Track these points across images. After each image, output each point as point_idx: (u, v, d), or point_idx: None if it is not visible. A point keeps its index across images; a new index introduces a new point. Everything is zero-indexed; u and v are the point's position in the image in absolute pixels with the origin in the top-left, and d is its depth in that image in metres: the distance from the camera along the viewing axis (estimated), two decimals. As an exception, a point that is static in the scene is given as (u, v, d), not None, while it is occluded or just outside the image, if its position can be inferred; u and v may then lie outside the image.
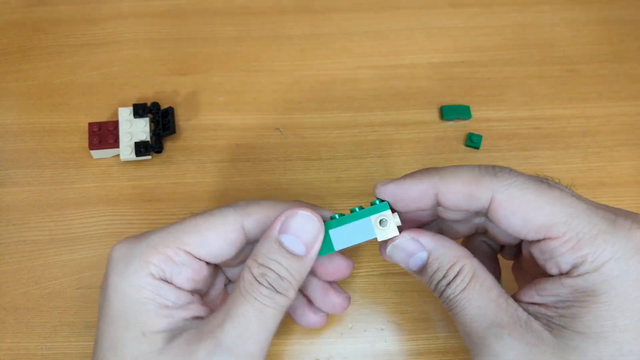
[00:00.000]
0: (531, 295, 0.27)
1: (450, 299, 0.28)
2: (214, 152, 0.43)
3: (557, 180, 0.28)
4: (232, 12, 0.48)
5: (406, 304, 0.38)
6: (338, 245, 0.29)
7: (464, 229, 0.32)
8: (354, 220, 0.29)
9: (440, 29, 0.48)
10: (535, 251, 0.27)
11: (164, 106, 0.43)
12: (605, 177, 0.42)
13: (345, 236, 0.29)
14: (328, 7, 0.49)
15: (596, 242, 0.25)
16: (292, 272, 0.27)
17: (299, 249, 0.28)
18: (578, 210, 0.26)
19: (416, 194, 0.28)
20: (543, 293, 0.27)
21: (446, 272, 0.28)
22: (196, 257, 0.29)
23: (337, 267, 0.32)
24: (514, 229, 0.27)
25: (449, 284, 0.27)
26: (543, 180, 0.27)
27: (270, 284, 0.27)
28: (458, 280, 0.27)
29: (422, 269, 0.28)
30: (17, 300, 0.38)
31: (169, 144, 0.43)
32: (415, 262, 0.29)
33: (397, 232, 0.29)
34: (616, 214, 0.26)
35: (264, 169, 0.42)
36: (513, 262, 0.33)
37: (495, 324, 0.26)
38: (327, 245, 0.29)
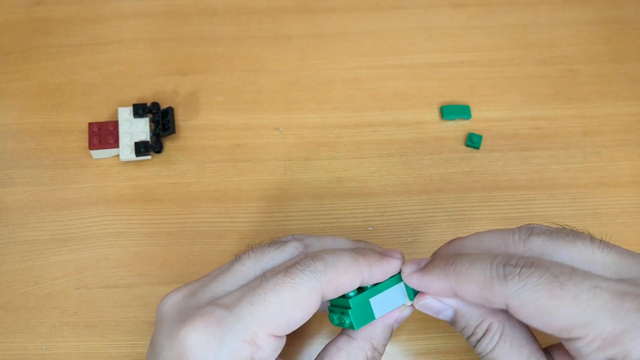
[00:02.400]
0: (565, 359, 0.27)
1: (483, 356, 0.28)
2: (214, 152, 0.43)
3: (587, 233, 0.27)
4: (232, 12, 0.48)
5: (406, 304, 0.38)
6: (378, 313, 0.30)
7: None
8: (388, 288, 0.30)
9: (440, 29, 0.48)
10: (566, 345, 0.26)
11: (163, 106, 0.43)
12: (605, 177, 0.42)
13: (381, 304, 0.30)
14: (328, 7, 0.48)
15: (623, 341, 0.24)
16: (385, 348, 0.30)
17: (395, 327, 0.31)
18: (598, 306, 0.24)
19: (437, 289, 0.29)
20: None
21: (474, 330, 0.28)
22: (281, 337, 0.28)
23: None
24: (538, 328, 0.26)
25: (479, 341, 0.28)
26: (556, 277, 0.25)
27: None
28: (487, 339, 0.28)
29: (452, 323, 0.29)
30: (17, 300, 0.38)
31: (168, 144, 0.43)
32: (444, 318, 0.30)
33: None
34: None
35: (264, 169, 0.42)
36: None
37: None
38: (368, 315, 0.29)
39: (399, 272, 0.30)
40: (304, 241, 0.31)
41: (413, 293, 0.30)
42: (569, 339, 0.25)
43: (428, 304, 0.29)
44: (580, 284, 0.25)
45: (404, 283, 0.30)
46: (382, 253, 0.30)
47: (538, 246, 0.28)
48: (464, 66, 0.46)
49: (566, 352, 0.27)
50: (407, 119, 0.44)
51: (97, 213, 0.40)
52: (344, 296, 0.29)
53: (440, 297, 0.29)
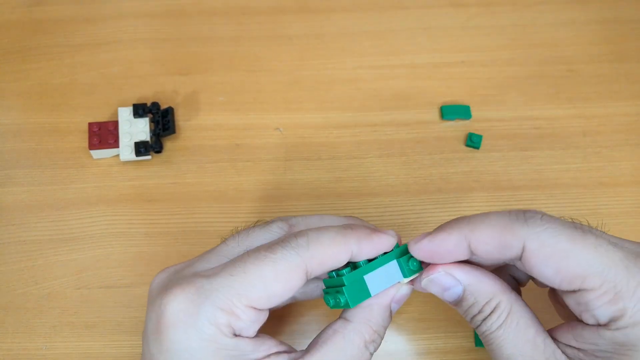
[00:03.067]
0: (568, 338, 0.26)
1: (486, 335, 0.27)
2: (214, 152, 0.43)
3: (594, 226, 0.27)
4: (232, 12, 0.48)
5: (406, 303, 0.38)
6: (373, 291, 0.29)
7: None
8: (382, 264, 0.29)
9: (440, 29, 0.48)
10: (570, 301, 0.26)
11: (163, 106, 0.43)
12: (605, 177, 0.42)
13: (376, 281, 0.29)
14: (328, 7, 0.49)
15: (636, 295, 0.24)
16: (385, 331, 0.30)
17: (393, 312, 0.30)
18: (615, 259, 0.25)
19: (450, 247, 0.28)
20: (580, 340, 0.26)
21: (482, 308, 0.27)
22: (262, 309, 0.28)
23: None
24: (547, 278, 0.26)
25: (484, 319, 0.27)
26: (577, 226, 0.26)
27: (374, 349, 0.29)
28: (494, 317, 0.27)
29: (458, 302, 0.28)
30: (17, 300, 0.38)
31: (168, 144, 0.43)
32: (450, 296, 0.28)
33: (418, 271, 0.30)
34: None
35: (264, 169, 0.42)
36: (549, 289, 0.32)
37: None
38: (364, 292, 0.29)
39: (393, 249, 0.30)
40: (289, 221, 0.31)
41: (409, 271, 0.29)
42: (580, 290, 0.25)
43: (437, 278, 0.28)
44: (601, 237, 0.25)
45: (398, 261, 0.30)
46: (374, 229, 0.30)
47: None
48: (464, 66, 0.46)
49: (568, 330, 0.27)
50: (407, 119, 0.44)
51: (97, 213, 0.40)
52: (337, 275, 0.29)
53: (448, 258, 0.28)
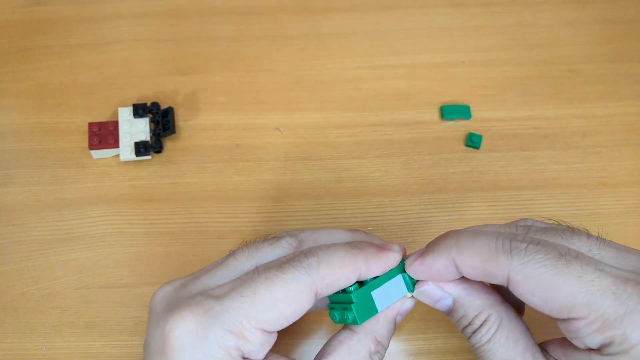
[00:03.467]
0: (559, 355, 0.27)
1: (476, 348, 0.28)
2: (214, 152, 0.43)
3: (585, 230, 0.27)
4: (232, 12, 0.48)
5: (406, 304, 0.38)
6: (380, 307, 0.29)
7: None
8: (388, 280, 0.30)
9: (440, 29, 0.48)
10: (561, 327, 0.26)
11: (164, 106, 0.43)
12: (605, 177, 0.42)
13: (383, 297, 0.30)
14: (328, 7, 0.49)
15: (623, 324, 0.24)
16: (389, 342, 0.30)
17: (399, 321, 0.30)
18: (601, 287, 0.24)
19: (440, 268, 0.28)
20: (571, 359, 0.26)
21: (471, 320, 0.28)
22: (271, 332, 0.27)
23: None
24: (536, 306, 0.26)
25: (474, 332, 0.28)
26: (563, 254, 0.25)
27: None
28: (483, 330, 0.27)
29: (449, 313, 0.29)
30: (17, 300, 0.38)
31: (168, 144, 0.43)
32: (441, 307, 0.29)
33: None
34: None
35: (264, 169, 0.42)
36: None
37: None
38: (371, 309, 0.29)
39: (399, 264, 0.30)
40: (298, 236, 0.31)
41: (412, 284, 0.30)
42: (568, 319, 0.25)
43: (427, 290, 0.29)
44: (587, 265, 0.25)
45: (403, 275, 0.30)
46: (381, 246, 0.30)
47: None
48: (464, 66, 0.46)
49: (560, 347, 0.27)
50: (407, 119, 0.44)
51: (97, 213, 0.40)
52: (344, 291, 0.29)
53: (442, 279, 0.29)
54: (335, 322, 0.30)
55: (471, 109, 0.44)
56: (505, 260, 0.26)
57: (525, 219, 0.30)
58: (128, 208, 0.40)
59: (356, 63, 0.46)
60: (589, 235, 0.28)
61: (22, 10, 0.48)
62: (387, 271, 0.30)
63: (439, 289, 0.29)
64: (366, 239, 0.32)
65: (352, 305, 0.28)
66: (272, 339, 0.28)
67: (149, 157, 0.41)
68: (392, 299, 0.30)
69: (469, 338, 0.28)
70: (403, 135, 0.43)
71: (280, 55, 0.46)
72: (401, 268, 0.30)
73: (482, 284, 0.29)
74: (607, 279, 0.25)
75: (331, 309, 0.30)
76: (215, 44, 0.47)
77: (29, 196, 0.41)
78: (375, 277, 0.29)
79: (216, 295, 0.27)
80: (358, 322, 0.28)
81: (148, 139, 0.42)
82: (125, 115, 0.42)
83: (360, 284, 0.29)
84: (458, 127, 0.44)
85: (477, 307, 0.28)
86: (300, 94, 0.45)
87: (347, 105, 0.44)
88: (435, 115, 0.44)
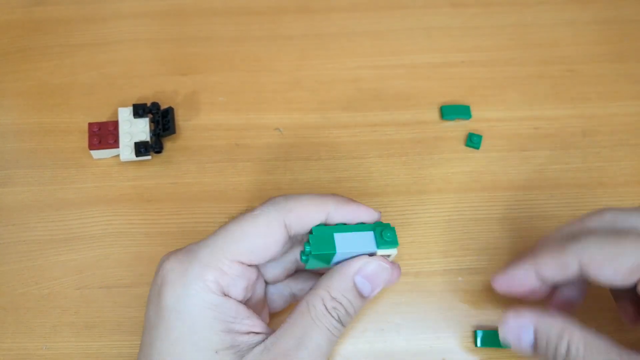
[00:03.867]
0: None
1: None
2: (214, 152, 0.43)
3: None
4: (232, 12, 0.48)
5: (406, 304, 0.38)
6: (340, 248, 0.30)
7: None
8: (357, 230, 0.30)
9: (440, 29, 0.48)
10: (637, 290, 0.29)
11: (164, 106, 0.43)
12: (605, 177, 0.42)
13: (346, 242, 0.30)
14: (328, 7, 0.49)
15: None
16: (355, 309, 0.30)
17: (366, 291, 0.30)
18: None
19: (520, 276, 0.31)
20: None
21: (556, 346, 0.28)
22: (248, 265, 0.29)
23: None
24: (610, 279, 0.29)
25: (566, 357, 0.28)
26: (617, 231, 0.29)
27: (339, 318, 0.29)
28: (573, 351, 0.28)
29: (535, 347, 0.30)
30: (17, 300, 0.38)
31: (168, 144, 0.43)
32: (526, 343, 0.30)
33: (395, 250, 0.31)
34: None
35: (264, 169, 0.42)
36: (619, 306, 0.34)
37: None
38: (329, 246, 0.30)
39: (374, 223, 0.31)
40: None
41: (383, 242, 0.30)
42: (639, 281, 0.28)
43: (509, 321, 0.30)
44: (636, 234, 0.29)
45: (376, 234, 0.30)
46: (355, 200, 0.32)
47: (610, 215, 0.31)
48: (464, 66, 0.46)
49: None
50: (407, 119, 0.44)
51: (97, 213, 0.40)
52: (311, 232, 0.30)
53: (523, 287, 0.31)
54: (302, 262, 0.31)
55: (471, 109, 0.44)
56: (571, 246, 0.29)
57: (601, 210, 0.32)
58: (128, 208, 0.40)
59: (356, 63, 0.46)
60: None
61: (22, 10, 0.48)
62: (357, 220, 0.31)
63: (519, 318, 0.30)
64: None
65: (310, 235, 0.30)
66: (250, 273, 0.30)
67: (149, 157, 0.41)
68: (355, 248, 0.30)
69: None
70: (403, 135, 0.43)
71: (280, 55, 0.46)
72: (374, 227, 0.31)
73: (554, 311, 0.30)
74: None
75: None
76: (215, 44, 0.47)
77: (29, 196, 0.41)
78: (345, 225, 0.30)
79: (197, 242, 0.30)
80: (312, 251, 0.29)
81: (148, 139, 0.42)
82: (125, 115, 0.42)
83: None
84: (458, 127, 0.44)
85: (558, 329, 0.29)
86: (300, 94, 0.45)
87: (347, 105, 0.44)
88: (435, 115, 0.44)
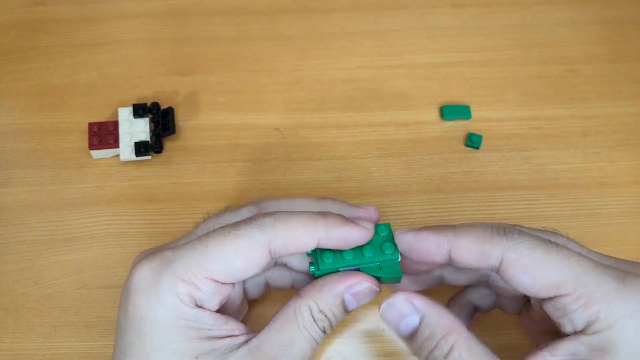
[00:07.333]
0: (543, 356, 0.27)
1: None
2: (214, 152, 0.43)
3: (565, 235, 0.30)
4: (232, 12, 0.48)
5: (406, 304, 0.38)
6: (346, 262, 0.30)
7: (466, 280, 0.33)
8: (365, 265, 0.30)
9: (440, 29, 0.48)
10: (549, 309, 0.28)
11: (164, 106, 0.43)
12: (605, 177, 0.42)
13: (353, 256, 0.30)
14: (328, 7, 0.49)
15: (607, 299, 0.26)
16: (338, 321, 0.30)
17: (352, 307, 0.30)
18: (586, 268, 0.27)
19: (431, 246, 0.29)
20: (557, 353, 0.27)
21: (437, 342, 0.27)
22: (223, 283, 0.29)
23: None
24: (525, 287, 0.28)
25: (445, 357, 0.27)
26: (551, 242, 0.28)
27: (324, 328, 0.29)
28: (455, 355, 0.27)
29: (413, 335, 0.29)
30: (17, 300, 0.38)
31: (168, 144, 0.43)
32: (406, 326, 0.29)
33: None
34: (625, 271, 0.27)
35: (264, 169, 0.42)
36: (520, 316, 0.34)
37: None
38: (336, 260, 0.30)
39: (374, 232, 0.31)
40: (259, 205, 0.32)
41: (386, 272, 0.30)
42: (556, 297, 0.27)
43: (396, 303, 0.29)
44: (572, 251, 0.28)
45: (377, 254, 0.30)
46: (349, 220, 0.30)
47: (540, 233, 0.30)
48: (464, 66, 0.46)
49: (540, 351, 0.27)
50: (407, 119, 0.44)
51: (97, 213, 0.40)
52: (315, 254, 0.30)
53: (427, 257, 0.29)
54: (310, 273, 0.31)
55: (471, 109, 0.44)
56: (500, 240, 0.28)
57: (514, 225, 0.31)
58: (128, 208, 0.40)
59: (356, 63, 0.46)
60: (568, 237, 0.30)
61: (22, 10, 0.48)
62: (349, 246, 0.30)
63: (409, 303, 0.29)
64: (334, 209, 0.33)
65: (313, 255, 0.30)
66: (225, 291, 0.29)
67: (149, 157, 0.41)
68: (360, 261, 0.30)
69: None
70: (403, 135, 0.43)
71: (280, 55, 0.46)
72: (375, 252, 0.30)
73: (446, 308, 0.29)
74: (590, 263, 0.27)
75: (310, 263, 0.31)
76: (215, 44, 0.47)
77: (29, 196, 0.41)
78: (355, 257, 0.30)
79: (172, 247, 0.29)
80: (316, 274, 0.30)
81: (148, 139, 0.42)
82: (125, 115, 0.42)
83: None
84: (458, 127, 0.44)
85: (444, 327, 0.28)
86: (300, 94, 0.45)
87: (347, 105, 0.44)
88: (435, 115, 0.44)
